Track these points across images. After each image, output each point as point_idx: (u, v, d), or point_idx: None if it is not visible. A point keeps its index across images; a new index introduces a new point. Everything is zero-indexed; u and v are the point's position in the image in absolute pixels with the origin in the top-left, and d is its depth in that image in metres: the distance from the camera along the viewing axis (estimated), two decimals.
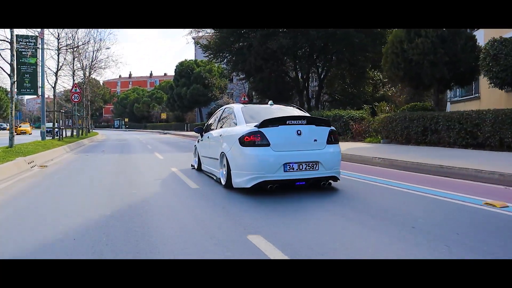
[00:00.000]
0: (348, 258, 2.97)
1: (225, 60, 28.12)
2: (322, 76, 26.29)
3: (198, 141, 8.30)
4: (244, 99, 27.09)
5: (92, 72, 34.42)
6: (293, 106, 7.19)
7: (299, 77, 26.47)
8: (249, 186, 5.32)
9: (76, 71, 26.00)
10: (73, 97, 22.50)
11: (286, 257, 2.96)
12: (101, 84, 48.43)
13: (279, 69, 24.34)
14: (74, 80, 24.57)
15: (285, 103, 27.69)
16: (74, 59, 24.54)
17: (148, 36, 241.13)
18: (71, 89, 22.58)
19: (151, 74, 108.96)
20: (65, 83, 24.83)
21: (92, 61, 33.05)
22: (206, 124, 8.05)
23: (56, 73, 19.01)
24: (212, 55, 27.36)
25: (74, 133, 25.52)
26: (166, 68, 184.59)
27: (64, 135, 22.45)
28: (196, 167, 8.44)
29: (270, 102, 7.04)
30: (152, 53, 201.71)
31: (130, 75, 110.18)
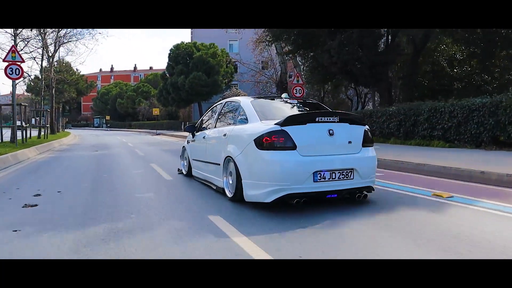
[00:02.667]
0: None
1: None
2: (419, 47, 16.49)
3: (187, 142, 6.98)
4: (298, 81, 17.12)
5: (57, 48, 24.15)
6: (311, 100, 5.92)
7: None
8: (269, 200, 4.09)
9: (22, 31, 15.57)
10: (7, 71, 12.13)
11: None
12: (75, 70, 37.56)
13: (374, 30, 14.19)
14: (16, 42, 14.15)
15: (377, 87, 16.96)
16: None
17: (132, 32, 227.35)
18: (5, 56, 12.21)
19: (135, 67, 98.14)
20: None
21: (58, 32, 22.92)
22: (198, 122, 6.75)
23: None
24: None
25: (24, 136, 14.93)
26: (151, 62, 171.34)
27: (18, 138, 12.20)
28: (185, 172, 7.08)
29: (284, 94, 5.82)
30: (136, 49, 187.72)
31: (112, 68, 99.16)
